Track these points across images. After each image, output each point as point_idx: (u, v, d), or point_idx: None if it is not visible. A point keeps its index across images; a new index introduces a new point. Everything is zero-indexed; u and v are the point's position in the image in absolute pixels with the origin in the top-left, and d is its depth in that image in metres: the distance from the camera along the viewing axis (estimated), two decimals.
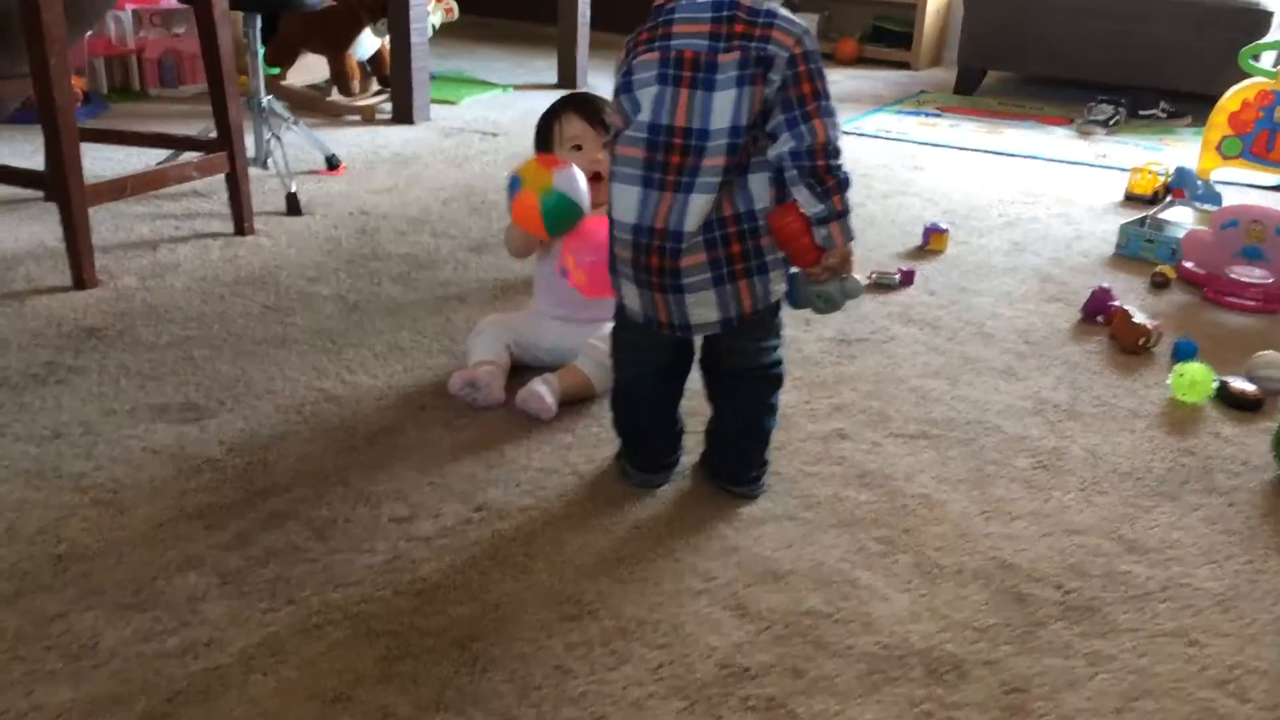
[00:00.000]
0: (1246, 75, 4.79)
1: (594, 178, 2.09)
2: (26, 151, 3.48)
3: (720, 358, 1.73)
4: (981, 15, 5.18)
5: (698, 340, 1.73)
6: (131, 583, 1.49)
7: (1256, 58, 3.61)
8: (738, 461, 1.78)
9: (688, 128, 1.54)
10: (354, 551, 1.58)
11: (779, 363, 1.74)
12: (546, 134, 2.17)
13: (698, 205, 1.56)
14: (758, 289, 1.63)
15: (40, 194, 3.04)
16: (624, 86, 1.59)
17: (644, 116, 1.57)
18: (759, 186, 1.58)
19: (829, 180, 1.54)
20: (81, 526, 1.61)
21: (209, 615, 1.43)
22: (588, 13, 5.04)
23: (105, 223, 2.83)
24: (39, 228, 2.84)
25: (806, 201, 1.55)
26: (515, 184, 1.95)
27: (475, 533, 1.64)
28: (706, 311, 1.63)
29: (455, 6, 4.71)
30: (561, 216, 1.93)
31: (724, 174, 1.55)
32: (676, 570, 1.57)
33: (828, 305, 1.66)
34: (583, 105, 2.13)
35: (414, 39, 4.09)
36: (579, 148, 2.13)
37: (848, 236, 1.59)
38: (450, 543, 1.61)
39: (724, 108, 1.53)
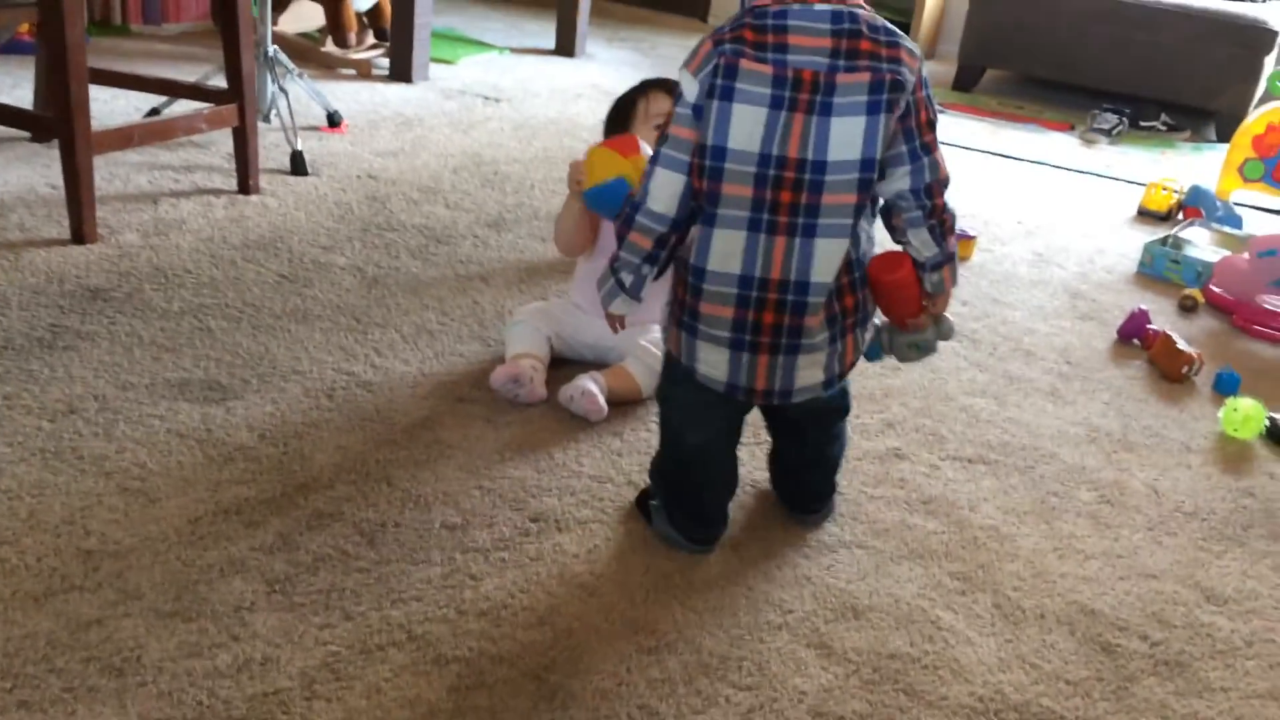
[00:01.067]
0: (1245, 93, 4.82)
1: None
2: (6, 85, 3.27)
3: (793, 411, 1.54)
4: (987, 12, 5.11)
5: None
6: (171, 586, 1.37)
7: None
8: (805, 492, 1.67)
9: (801, 159, 1.33)
10: (408, 562, 1.47)
11: (846, 393, 1.59)
12: (627, 112, 2.04)
13: (827, 251, 1.37)
14: (860, 341, 1.48)
15: (26, 134, 2.86)
16: (719, 91, 1.33)
17: (747, 145, 1.33)
18: (866, 227, 1.43)
19: (946, 220, 1.42)
20: (109, 517, 1.48)
21: (259, 629, 1.32)
22: None
23: (99, 170, 2.64)
24: (27, 170, 2.66)
25: (924, 245, 1.42)
26: (620, 191, 1.76)
27: (534, 546, 1.54)
28: (813, 374, 1.44)
29: None
30: None
31: (855, 214, 1.37)
32: (751, 600, 1.48)
33: (922, 353, 1.53)
34: (667, 86, 2.02)
35: None
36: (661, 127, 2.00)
37: (955, 280, 1.47)
38: (510, 556, 1.51)
39: (848, 136, 1.33)
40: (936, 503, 1.77)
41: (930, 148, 1.38)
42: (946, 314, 1.53)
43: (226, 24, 2.55)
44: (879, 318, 1.51)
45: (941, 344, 1.64)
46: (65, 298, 2.06)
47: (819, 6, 1.33)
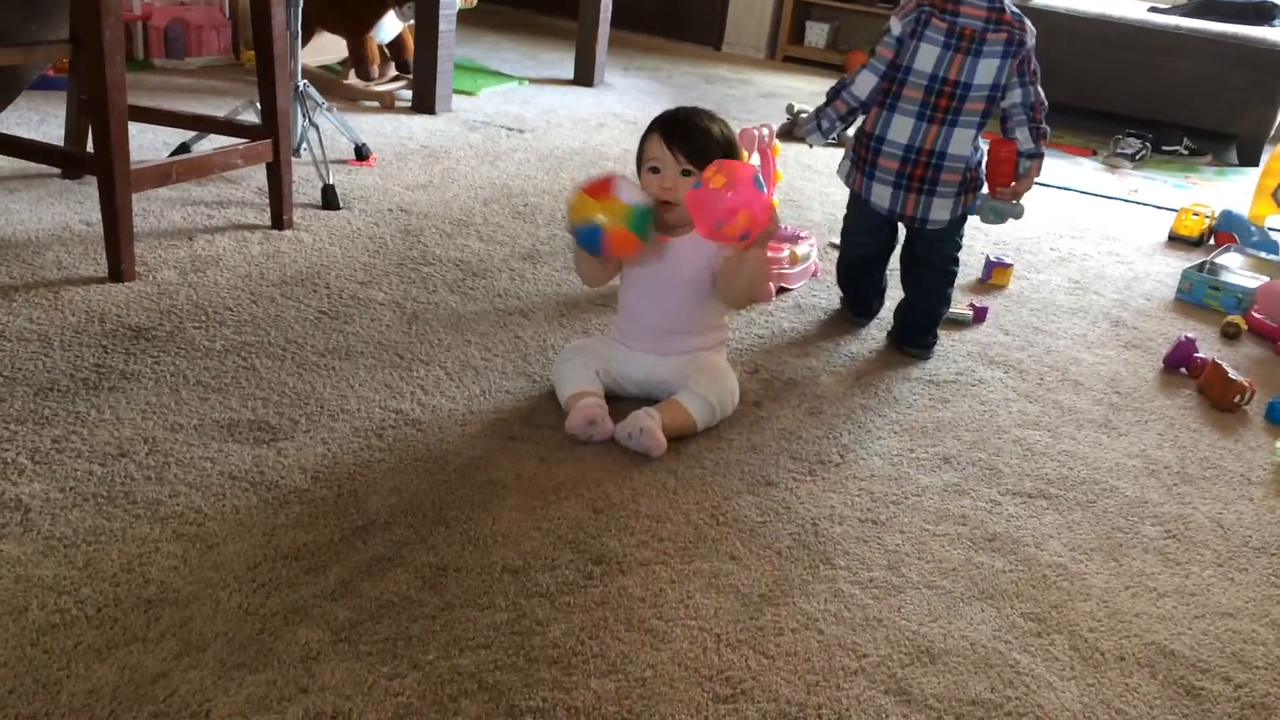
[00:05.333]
0: (1265, 116, 4.81)
1: (662, 205, 1.96)
2: (33, 121, 3.27)
3: (920, 250, 2.39)
4: None
5: (901, 233, 2.45)
6: (235, 636, 1.34)
7: None
8: (914, 329, 2.40)
9: (957, 80, 2.22)
10: (472, 607, 1.44)
11: (956, 261, 2.41)
12: (639, 155, 2.03)
13: (961, 136, 2.25)
14: (970, 199, 2.32)
15: (55, 171, 2.85)
16: (918, 35, 2.22)
17: (925, 68, 2.22)
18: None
19: (1041, 128, 2.29)
20: (168, 564, 1.45)
21: (328, 679, 1.28)
22: (609, 9, 4.88)
23: (133, 206, 2.63)
24: (61, 208, 2.64)
25: (1024, 139, 2.29)
26: (594, 233, 1.84)
27: (599, 590, 1.50)
28: (942, 212, 2.29)
29: None
30: (648, 222, 1.88)
31: (982, 117, 2.25)
32: (823, 644, 1.45)
33: (997, 218, 2.33)
34: (668, 127, 1.97)
35: (442, 26, 3.92)
36: (656, 170, 1.98)
37: (1039, 172, 2.34)
38: (575, 601, 1.47)
39: (987, 70, 2.21)
40: (1001, 540, 1.74)
41: (1032, 80, 2.26)
42: (1023, 202, 2.36)
43: (262, 60, 2.54)
44: (985, 189, 2.34)
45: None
46: (107, 337, 2.03)
47: None
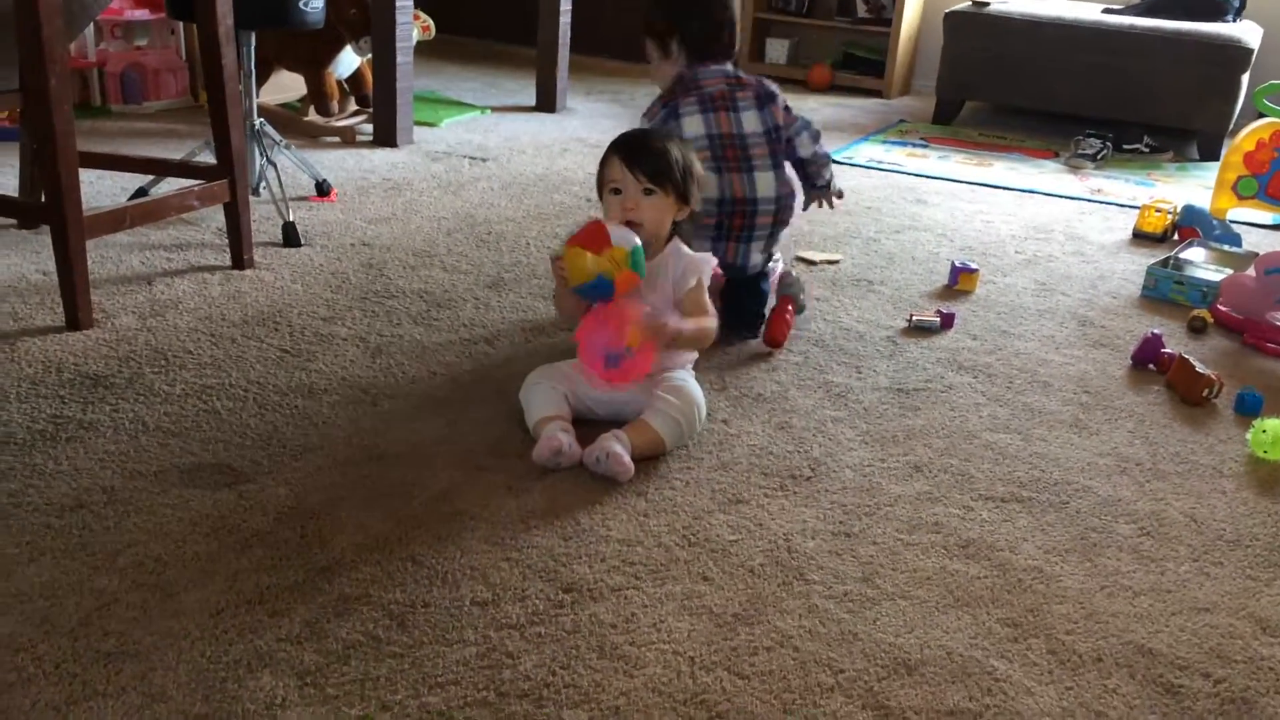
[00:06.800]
0: (1224, 111, 4.85)
1: (627, 225, 1.98)
2: None
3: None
4: (962, 46, 5.14)
5: None
6: (199, 686, 1.31)
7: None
8: (751, 324, 2.48)
9: (731, 132, 2.36)
10: (441, 643, 1.41)
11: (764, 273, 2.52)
12: (599, 179, 2.06)
13: (763, 179, 2.37)
14: (779, 241, 2.50)
15: (12, 222, 2.82)
16: (677, 117, 2.34)
17: (698, 131, 2.34)
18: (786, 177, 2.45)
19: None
20: (128, 616, 1.42)
21: None
22: (568, 35, 4.89)
23: (90, 253, 2.59)
24: (17, 259, 2.61)
25: (816, 174, 2.60)
26: (606, 286, 1.88)
27: (570, 618, 1.48)
28: (758, 257, 2.44)
29: (432, 25, 4.54)
30: (643, 256, 1.93)
31: (773, 158, 2.39)
32: (799, 661, 1.43)
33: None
34: (624, 149, 2.03)
35: (399, 58, 3.91)
36: (618, 191, 2.01)
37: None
38: (546, 631, 1.45)
39: (751, 120, 2.38)
40: (975, 546, 1.72)
41: (805, 125, 2.54)
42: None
43: (215, 100, 2.52)
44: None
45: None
46: (65, 387, 2.00)
47: (714, 68, 2.41)
